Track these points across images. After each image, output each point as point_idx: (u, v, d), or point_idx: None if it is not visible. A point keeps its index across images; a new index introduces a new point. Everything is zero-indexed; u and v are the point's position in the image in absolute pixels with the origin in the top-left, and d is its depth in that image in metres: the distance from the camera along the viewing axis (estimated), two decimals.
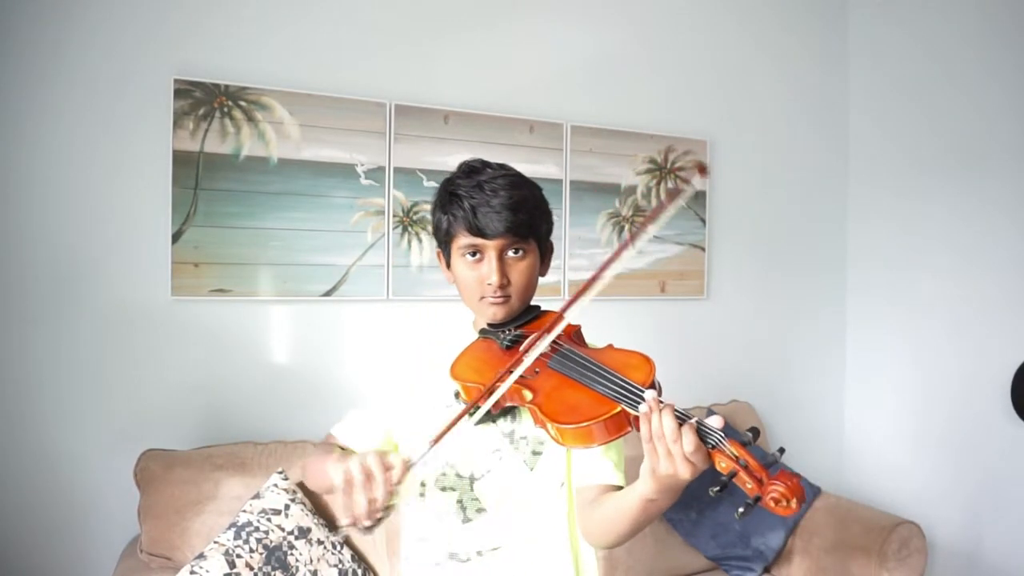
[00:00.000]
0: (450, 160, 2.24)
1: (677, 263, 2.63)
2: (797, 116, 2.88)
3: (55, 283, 1.82)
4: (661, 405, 0.80)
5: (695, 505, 2.21)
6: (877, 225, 2.86)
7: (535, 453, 1.08)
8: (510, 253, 1.08)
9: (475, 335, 1.16)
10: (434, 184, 2.21)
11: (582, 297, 0.96)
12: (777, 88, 2.83)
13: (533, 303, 1.15)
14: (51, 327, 1.82)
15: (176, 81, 1.91)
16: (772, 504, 0.72)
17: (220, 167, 1.96)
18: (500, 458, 1.08)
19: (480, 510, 1.08)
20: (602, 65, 2.49)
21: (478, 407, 0.94)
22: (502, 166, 1.12)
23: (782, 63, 2.85)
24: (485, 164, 1.11)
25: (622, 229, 2.53)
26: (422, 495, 1.11)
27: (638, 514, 0.91)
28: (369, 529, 0.89)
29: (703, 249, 2.68)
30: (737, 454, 0.75)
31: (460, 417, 0.93)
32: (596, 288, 0.96)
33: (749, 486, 0.74)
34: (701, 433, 0.78)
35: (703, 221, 2.68)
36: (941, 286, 2.59)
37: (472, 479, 1.08)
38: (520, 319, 1.11)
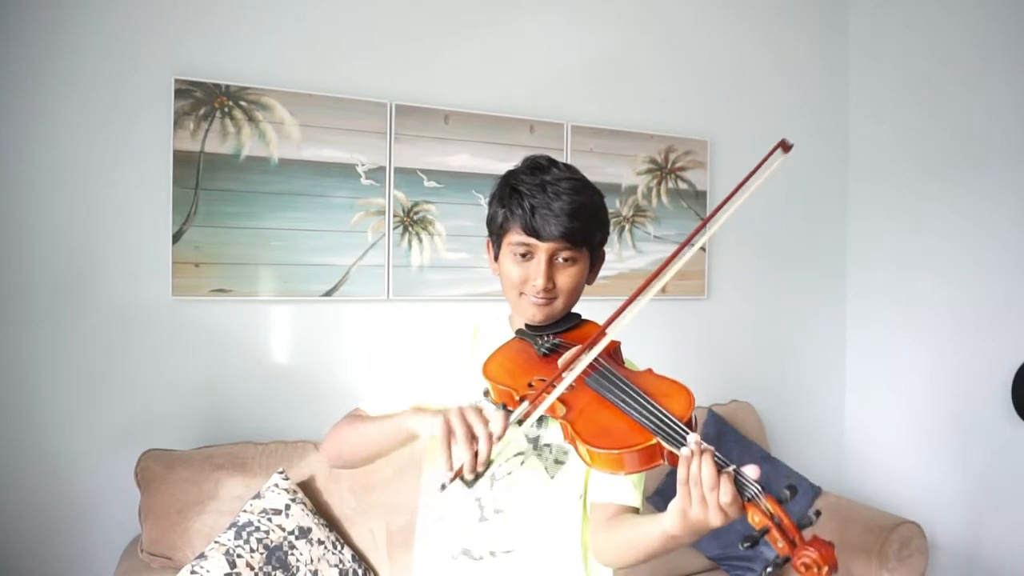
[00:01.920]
0: (451, 160, 2.25)
1: (677, 263, 2.62)
2: (797, 116, 2.88)
3: (55, 283, 1.82)
4: (703, 449, 0.78)
5: None
6: (877, 225, 2.86)
7: (557, 462, 1.08)
8: (560, 258, 1.06)
9: (510, 331, 1.14)
10: (435, 184, 2.22)
11: (626, 311, 0.94)
12: (777, 87, 2.83)
13: (574, 311, 1.13)
14: (51, 327, 1.82)
15: (176, 81, 1.91)
16: (802, 568, 0.70)
17: (221, 167, 1.96)
18: (522, 462, 1.08)
19: (497, 511, 1.08)
20: (602, 65, 2.49)
21: (521, 420, 0.92)
22: (568, 167, 1.10)
23: (782, 62, 2.85)
24: (552, 163, 1.09)
25: (623, 229, 2.53)
26: (444, 487, 1.10)
27: (657, 547, 0.90)
28: (471, 483, 0.89)
29: (703, 249, 2.68)
30: (772, 511, 0.74)
31: (503, 430, 0.90)
32: (645, 299, 0.93)
33: (780, 545, 0.72)
34: (738, 484, 0.77)
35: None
36: (941, 286, 2.59)
37: (493, 479, 1.08)
38: (559, 325, 1.10)
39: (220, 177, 1.96)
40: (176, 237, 1.91)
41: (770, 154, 0.95)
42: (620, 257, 2.51)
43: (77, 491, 1.85)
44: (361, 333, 2.16)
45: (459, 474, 0.87)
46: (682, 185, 2.63)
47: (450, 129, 2.24)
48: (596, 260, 1.15)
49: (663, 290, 2.71)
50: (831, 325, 2.97)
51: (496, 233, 1.11)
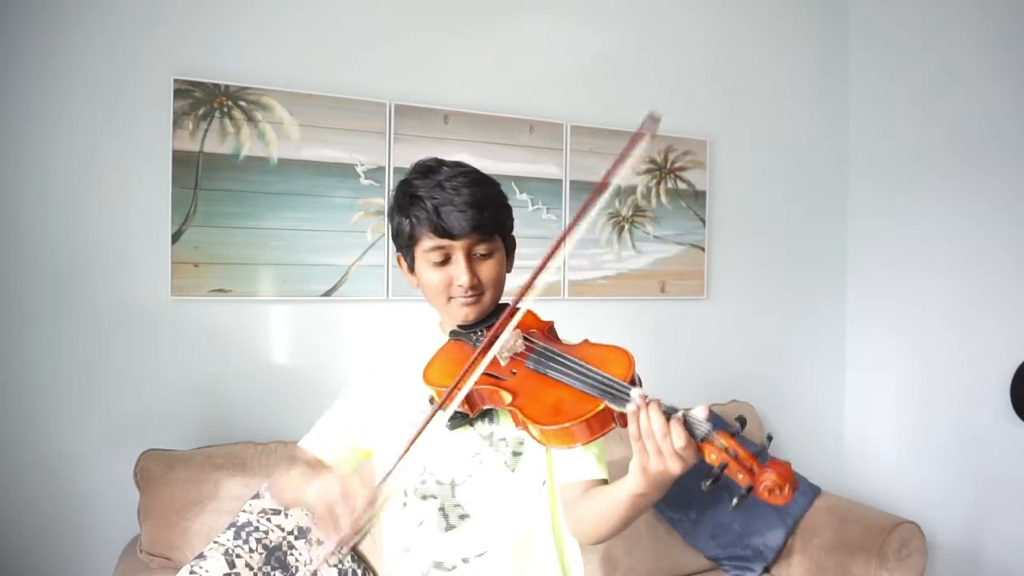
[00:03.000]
0: (450, 160, 2.25)
1: (677, 263, 2.63)
2: (797, 115, 2.88)
3: (55, 283, 1.82)
4: (647, 401, 0.79)
5: (695, 505, 2.21)
6: (877, 224, 2.86)
7: (515, 454, 1.07)
8: (478, 252, 1.05)
9: (443, 337, 1.13)
10: None
11: (536, 280, 0.92)
12: (777, 87, 2.83)
13: (502, 302, 1.12)
14: (51, 327, 1.82)
15: (176, 81, 1.90)
16: (766, 494, 0.71)
17: (220, 167, 1.96)
18: (480, 462, 1.06)
19: (463, 516, 1.06)
20: (602, 65, 2.49)
21: (445, 407, 0.92)
22: (458, 163, 1.09)
23: (782, 62, 2.85)
24: (440, 162, 1.08)
25: (622, 229, 2.53)
26: (404, 504, 1.09)
27: (627, 509, 0.90)
28: (353, 547, 0.89)
29: (703, 249, 2.68)
30: (726, 445, 0.75)
31: (428, 422, 0.90)
32: (548, 272, 0.91)
33: (740, 476, 0.73)
34: (689, 426, 0.77)
35: (703, 221, 2.68)
36: (941, 285, 2.59)
37: (453, 485, 1.06)
38: (490, 319, 1.08)
39: (219, 177, 1.96)
40: (175, 237, 1.91)
41: (637, 134, 0.93)
42: (619, 257, 2.51)
43: (76, 491, 1.85)
44: (360, 333, 2.16)
45: (341, 544, 0.86)
46: (681, 185, 2.63)
47: (450, 129, 2.24)
48: (510, 248, 1.13)
49: (662, 290, 2.72)
50: (831, 325, 2.97)
51: (406, 245, 1.08)
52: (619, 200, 2.52)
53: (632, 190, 2.54)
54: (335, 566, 1.71)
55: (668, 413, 0.78)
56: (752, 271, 2.80)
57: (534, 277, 0.92)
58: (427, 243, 1.04)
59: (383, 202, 2.15)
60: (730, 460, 0.74)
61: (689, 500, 2.21)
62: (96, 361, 1.86)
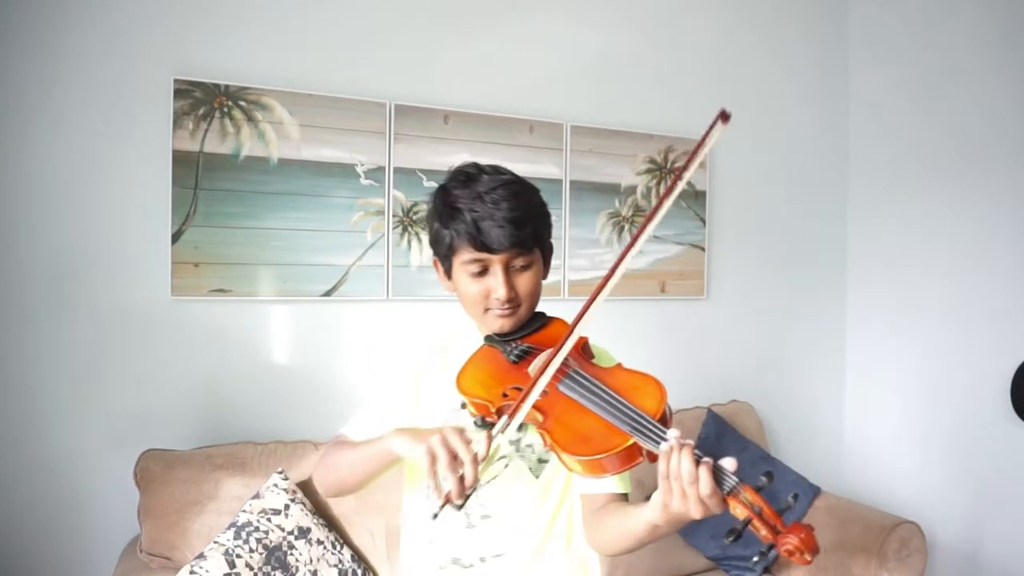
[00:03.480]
0: (450, 160, 2.23)
1: (677, 263, 2.63)
2: (797, 114, 2.88)
3: (55, 283, 1.82)
4: (681, 444, 0.79)
5: None
6: (877, 225, 2.86)
7: (541, 461, 1.08)
8: (516, 265, 1.05)
9: (479, 338, 1.14)
10: (434, 184, 2.19)
11: (590, 308, 0.93)
12: (777, 87, 2.83)
13: (538, 310, 1.13)
14: (51, 327, 1.82)
15: (176, 81, 1.90)
16: (786, 554, 0.72)
17: (220, 167, 1.96)
18: (506, 465, 1.08)
19: (485, 516, 1.07)
20: (602, 65, 2.49)
21: (504, 430, 0.92)
22: (496, 169, 1.08)
23: (782, 62, 2.85)
24: (480, 170, 1.07)
25: (622, 229, 2.53)
26: (428, 496, 1.10)
27: (644, 536, 0.91)
28: (461, 506, 0.88)
29: (703, 249, 2.68)
30: (752, 500, 0.75)
31: (489, 447, 0.91)
32: (605, 293, 0.92)
33: (763, 533, 0.74)
34: (717, 477, 0.77)
35: (703, 221, 2.68)
36: (941, 285, 2.59)
37: (477, 484, 1.08)
38: (526, 328, 1.09)
39: (219, 177, 1.96)
40: (175, 237, 1.91)
41: (712, 127, 0.94)
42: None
43: (76, 491, 1.85)
44: (361, 333, 2.16)
45: (448, 500, 0.87)
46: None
47: (450, 129, 2.24)
48: (547, 254, 1.14)
49: (662, 290, 2.72)
50: (831, 325, 2.97)
51: (444, 254, 1.08)
52: (619, 200, 2.52)
53: (632, 190, 2.54)
54: (335, 566, 1.72)
55: (698, 459, 0.78)
56: (752, 271, 2.80)
57: (588, 304, 0.93)
58: (466, 255, 1.04)
59: (383, 202, 2.15)
60: (754, 516, 0.74)
61: None
62: (96, 361, 1.86)
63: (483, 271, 1.04)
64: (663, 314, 2.62)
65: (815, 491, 2.36)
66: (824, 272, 2.95)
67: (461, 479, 0.86)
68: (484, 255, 1.02)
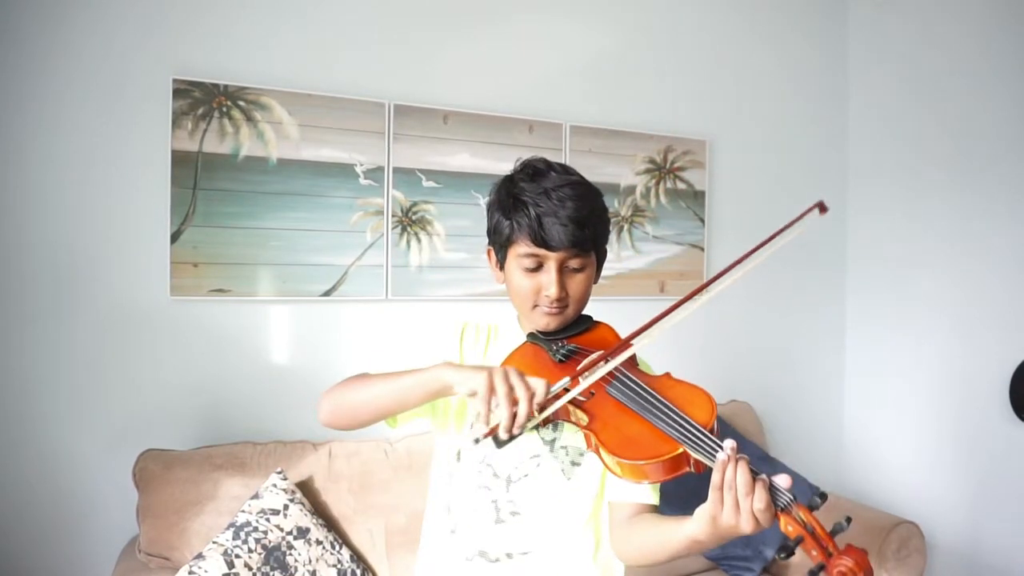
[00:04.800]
0: (449, 160, 2.25)
1: (677, 263, 2.63)
2: (797, 114, 2.88)
3: (54, 283, 1.82)
4: (739, 457, 0.79)
5: (695, 504, 2.20)
6: (877, 224, 2.86)
7: (574, 464, 1.08)
8: (571, 266, 1.05)
9: (520, 333, 1.13)
10: (433, 184, 2.22)
11: (654, 327, 0.94)
12: (777, 86, 2.83)
13: (584, 313, 1.13)
14: (50, 327, 1.82)
15: (175, 81, 1.90)
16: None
17: (219, 167, 1.96)
18: (538, 464, 1.07)
19: (514, 513, 1.07)
20: (602, 65, 2.49)
21: (532, 420, 0.90)
22: (565, 168, 1.08)
23: (782, 61, 2.85)
24: (549, 166, 1.07)
25: (622, 229, 2.53)
26: (451, 475, 1.10)
27: (680, 550, 0.90)
28: (503, 443, 0.87)
29: (702, 249, 2.68)
30: (805, 520, 0.75)
31: (568, 388, 0.89)
32: (673, 319, 0.92)
33: (815, 553, 0.73)
34: (772, 492, 0.77)
35: (702, 221, 2.68)
36: (941, 285, 2.58)
37: (509, 481, 1.07)
38: (571, 330, 1.09)
39: (218, 177, 1.96)
40: (174, 237, 1.91)
41: (806, 212, 0.95)
42: (619, 257, 2.51)
43: (75, 491, 1.85)
44: (360, 333, 2.16)
45: (494, 432, 0.86)
46: (681, 185, 2.63)
47: (449, 129, 2.24)
48: (601, 259, 1.14)
49: (662, 290, 2.71)
50: (830, 324, 2.97)
51: (501, 244, 1.08)
52: (618, 200, 2.52)
53: (631, 190, 2.54)
54: (334, 566, 1.71)
55: (755, 474, 0.78)
56: (752, 271, 2.80)
57: (657, 319, 0.93)
58: (523, 248, 1.04)
59: (382, 202, 2.15)
60: (807, 535, 0.74)
61: (689, 499, 2.21)
62: (95, 361, 1.86)
63: (537, 267, 1.05)
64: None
65: (814, 491, 2.36)
66: (824, 272, 2.95)
67: (514, 415, 0.85)
68: (541, 251, 1.03)
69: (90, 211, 1.85)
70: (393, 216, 2.17)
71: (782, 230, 0.94)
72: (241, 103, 1.98)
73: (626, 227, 2.53)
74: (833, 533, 0.74)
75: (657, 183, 2.58)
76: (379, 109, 2.14)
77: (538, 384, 0.87)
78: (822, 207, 0.93)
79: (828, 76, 2.95)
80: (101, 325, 1.87)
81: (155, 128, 1.90)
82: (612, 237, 2.49)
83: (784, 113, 2.85)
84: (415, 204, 2.19)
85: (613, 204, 2.50)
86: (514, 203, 1.04)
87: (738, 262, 0.94)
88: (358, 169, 2.12)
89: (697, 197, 2.66)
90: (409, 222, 2.19)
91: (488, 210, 1.11)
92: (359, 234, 2.13)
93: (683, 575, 2.22)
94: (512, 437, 0.87)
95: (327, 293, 2.09)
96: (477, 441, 0.87)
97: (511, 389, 0.86)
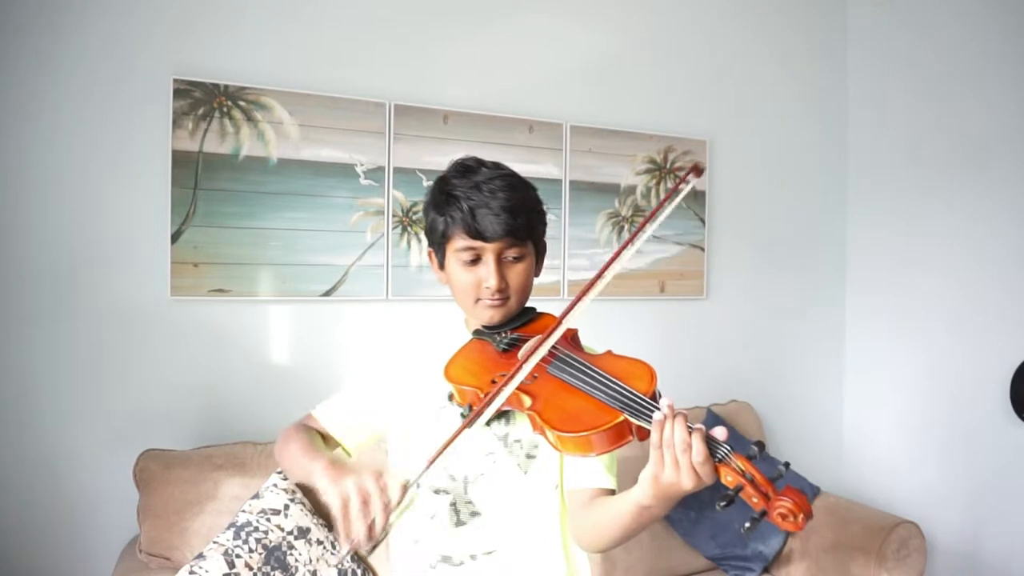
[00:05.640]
0: (450, 160, 2.24)
1: (677, 263, 2.63)
2: (796, 114, 2.88)
3: (54, 283, 1.82)
4: (675, 413, 0.80)
5: (694, 505, 2.21)
6: (876, 224, 2.86)
7: (529, 456, 1.08)
8: (508, 256, 1.06)
9: (467, 334, 1.15)
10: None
11: (581, 301, 0.95)
12: (776, 86, 2.83)
13: (528, 305, 1.14)
14: (50, 327, 1.82)
15: (175, 81, 1.90)
16: (779, 520, 0.72)
17: (219, 167, 1.96)
18: (494, 461, 1.07)
19: (474, 513, 1.07)
20: (602, 65, 2.49)
21: (476, 421, 0.92)
22: (497, 165, 1.10)
23: (781, 61, 2.85)
24: (480, 163, 1.09)
25: (622, 229, 2.53)
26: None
27: (630, 520, 0.90)
28: (369, 552, 0.88)
29: (702, 249, 2.68)
30: (743, 468, 0.75)
31: (459, 433, 0.91)
32: (595, 291, 0.94)
33: (755, 500, 0.74)
34: (709, 445, 0.78)
35: (702, 221, 2.68)
36: (940, 284, 2.59)
37: (466, 482, 1.07)
38: (515, 321, 1.11)
39: (219, 177, 1.96)
40: (175, 237, 1.91)
41: (684, 177, 0.97)
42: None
43: (75, 491, 1.85)
44: (360, 333, 2.16)
45: (354, 547, 0.86)
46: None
47: (449, 129, 2.24)
48: (541, 252, 1.14)
49: (662, 290, 2.72)
50: (830, 324, 2.97)
51: (438, 242, 1.10)
52: (618, 200, 2.52)
53: (631, 190, 2.54)
54: (335, 566, 1.71)
55: (690, 428, 0.79)
56: (752, 271, 2.80)
57: (582, 294, 0.95)
58: (459, 243, 1.05)
59: (382, 202, 2.15)
60: (746, 483, 0.74)
61: (688, 500, 2.20)
62: (95, 361, 1.86)
63: (475, 260, 1.06)
64: (663, 314, 2.62)
65: (815, 491, 2.36)
66: (824, 272, 2.95)
67: (371, 526, 0.86)
68: (477, 243, 1.04)
69: (90, 211, 1.85)
70: (393, 216, 2.17)
71: (665, 200, 0.97)
72: (241, 103, 1.98)
73: (626, 227, 2.53)
74: (772, 480, 0.74)
75: (657, 183, 2.59)
76: (379, 109, 2.14)
77: (393, 489, 0.87)
78: (697, 170, 0.96)
79: (828, 76, 2.95)
80: (101, 325, 1.87)
81: (155, 128, 1.90)
82: (612, 237, 2.50)
83: (784, 113, 2.85)
84: (415, 204, 2.19)
85: (613, 204, 2.50)
86: (447, 199, 1.05)
87: (655, 210, 0.97)
88: (358, 169, 2.12)
89: (697, 197, 2.67)
90: (409, 222, 2.19)
91: (424, 212, 1.13)
92: (359, 234, 2.13)
93: (683, 575, 2.22)
94: (376, 545, 0.87)
95: (327, 293, 2.10)
96: (339, 561, 0.89)
97: (364, 500, 0.86)
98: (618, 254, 0.95)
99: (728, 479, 0.76)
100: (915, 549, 2.11)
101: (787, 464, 0.77)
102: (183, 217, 1.92)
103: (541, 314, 1.14)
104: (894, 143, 2.78)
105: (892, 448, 2.78)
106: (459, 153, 2.20)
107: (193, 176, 1.93)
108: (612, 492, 1.04)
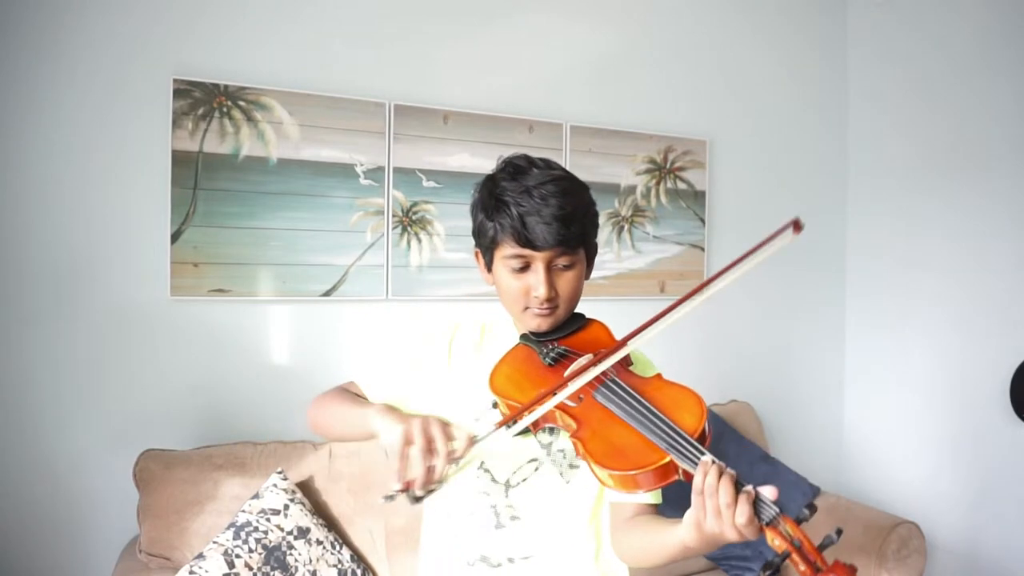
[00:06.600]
0: (450, 160, 2.25)
1: (677, 263, 2.63)
2: (797, 114, 2.88)
3: (54, 283, 1.82)
4: (720, 469, 0.77)
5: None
6: (877, 224, 2.86)
7: (572, 467, 1.07)
8: (559, 264, 1.02)
9: (514, 330, 1.12)
10: (434, 184, 2.22)
11: (645, 331, 0.92)
12: (777, 86, 2.83)
13: (577, 311, 1.11)
14: (50, 327, 1.82)
15: (175, 81, 1.90)
16: None
17: (219, 167, 1.95)
18: (536, 468, 1.07)
19: (514, 518, 1.07)
20: (602, 65, 2.49)
21: (515, 421, 0.91)
22: (547, 163, 1.05)
23: (781, 61, 2.85)
24: (531, 163, 1.04)
25: (622, 229, 2.53)
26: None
27: (675, 554, 0.89)
28: (419, 499, 0.86)
29: (703, 249, 2.68)
30: (792, 534, 0.72)
31: (538, 401, 0.89)
32: (664, 323, 0.90)
33: (802, 568, 0.70)
34: (757, 506, 0.75)
35: (703, 221, 2.68)
36: (941, 284, 2.59)
37: (508, 486, 1.07)
38: (563, 329, 1.07)
39: (219, 177, 1.96)
40: (175, 237, 1.91)
41: (779, 231, 0.93)
42: (619, 257, 2.51)
43: (75, 491, 1.85)
44: (360, 333, 2.16)
45: (408, 487, 0.85)
46: (681, 185, 2.63)
47: (449, 129, 2.24)
48: (592, 255, 1.11)
49: (662, 290, 2.71)
50: (830, 324, 2.97)
51: (487, 246, 1.05)
52: (618, 200, 2.52)
53: (632, 190, 2.54)
54: (334, 566, 1.71)
55: (739, 485, 0.76)
56: (752, 271, 2.80)
57: (648, 324, 0.92)
58: (508, 250, 1.01)
59: (382, 202, 2.15)
60: (794, 550, 0.71)
61: (689, 500, 2.21)
62: (95, 361, 1.86)
63: (524, 267, 1.02)
64: None
65: (815, 491, 2.36)
66: (824, 272, 2.95)
67: (430, 470, 0.84)
68: (527, 251, 0.99)
69: (90, 211, 1.85)
70: (393, 216, 2.17)
71: (761, 245, 0.94)
72: (241, 103, 1.98)
73: (626, 227, 2.53)
74: (822, 548, 0.71)
75: (657, 183, 2.58)
76: (379, 109, 2.14)
77: (460, 439, 0.86)
78: (797, 226, 0.93)
79: (828, 76, 2.95)
80: (101, 325, 1.87)
81: (155, 128, 1.90)
82: (612, 237, 2.50)
83: (784, 113, 2.85)
84: (415, 204, 2.19)
85: (613, 204, 2.50)
86: (496, 204, 1.01)
87: (727, 269, 0.94)
88: (358, 169, 2.12)
89: (697, 197, 2.66)
90: (409, 222, 2.19)
91: (472, 211, 1.09)
92: (359, 234, 2.13)
93: (683, 575, 2.22)
94: (429, 492, 0.86)
95: (327, 293, 2.09)
96: (390, 498, 0.87)
97: (429, 442, 0.85)
98: (694, 292, 0.92)
99: (775, 543, 0.72)
100: (915, 549, 2.12)
101: (839, 531, 0.72)
102: (183, 217, 1.92)
103: (590, 321, 1.11)
104: (894, 143, 2.78)
105: (892, 448, 2.78)
106: (460, 153, 2.24)
107: (193, 176, 1.93)
108: (655, 507, 1.04)
